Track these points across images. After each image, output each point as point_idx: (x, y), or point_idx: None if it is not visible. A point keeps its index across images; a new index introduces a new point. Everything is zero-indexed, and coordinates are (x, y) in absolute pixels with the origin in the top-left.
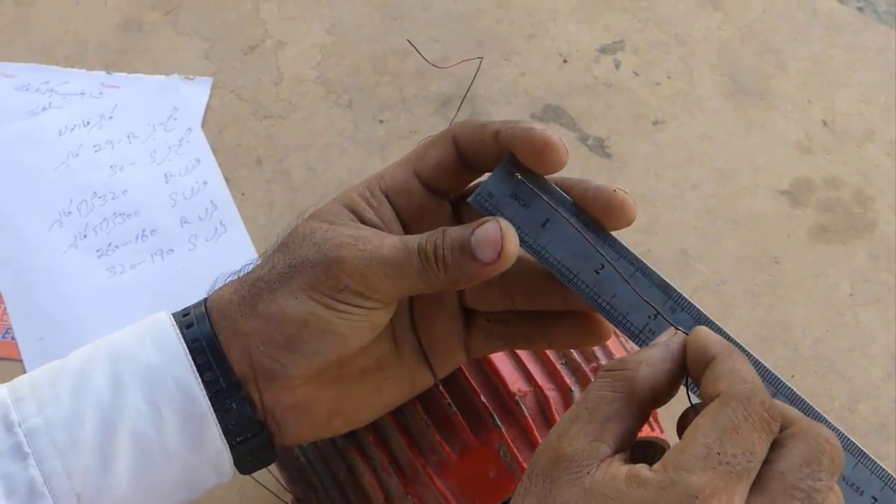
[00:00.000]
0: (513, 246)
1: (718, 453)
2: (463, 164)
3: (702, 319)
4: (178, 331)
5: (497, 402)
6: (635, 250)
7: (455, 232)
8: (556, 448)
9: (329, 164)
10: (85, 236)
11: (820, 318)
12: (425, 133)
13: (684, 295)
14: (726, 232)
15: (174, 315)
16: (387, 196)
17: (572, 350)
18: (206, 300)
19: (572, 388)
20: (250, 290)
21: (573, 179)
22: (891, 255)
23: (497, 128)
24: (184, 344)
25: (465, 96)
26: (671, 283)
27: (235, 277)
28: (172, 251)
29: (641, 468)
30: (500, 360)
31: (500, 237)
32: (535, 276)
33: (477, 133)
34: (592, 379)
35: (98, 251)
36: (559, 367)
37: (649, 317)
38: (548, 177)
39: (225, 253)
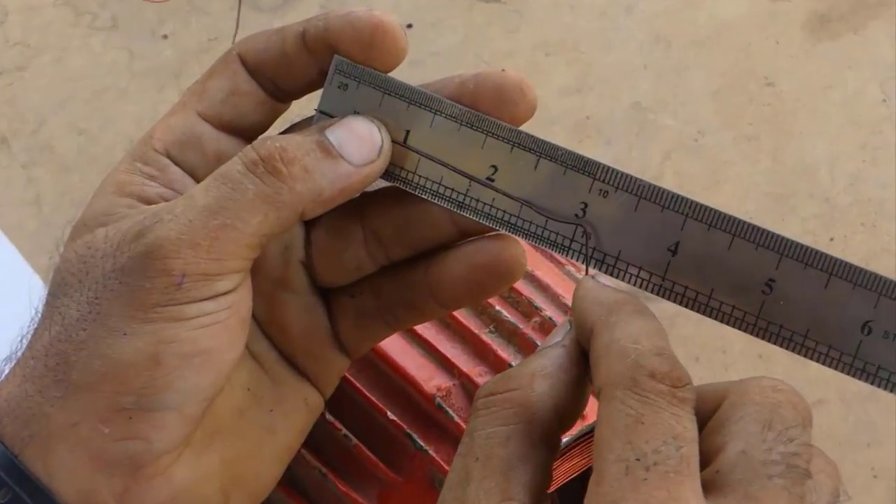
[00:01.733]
0: (389, 141)
1: (638, 459)
2: (267, 91)
3: (647, 192)
4: None
5: (412, 414)
6: (569, 119)
7: (298, 135)
8: None
9: (106, 117)
10: None
11: (850, 145)
12: (229, 39)
13: (617, 168)
14: (690, 61)
15: None
16: (169, 156)
17: (498, 307)
18: None
19: (513, 364)
20: (48, 364)
21: (438, 81)
22: None
23: (300, 29)
24: None
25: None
26: (594, 159)
27: (13, 363)
28: None
29: None
30: (402, 351)
31: (375, 130)
32: (408, 204)
33: (273, 45)
34: (538, 343)
35: None
36: (486, 338)
37: (577, 215)
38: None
39: None
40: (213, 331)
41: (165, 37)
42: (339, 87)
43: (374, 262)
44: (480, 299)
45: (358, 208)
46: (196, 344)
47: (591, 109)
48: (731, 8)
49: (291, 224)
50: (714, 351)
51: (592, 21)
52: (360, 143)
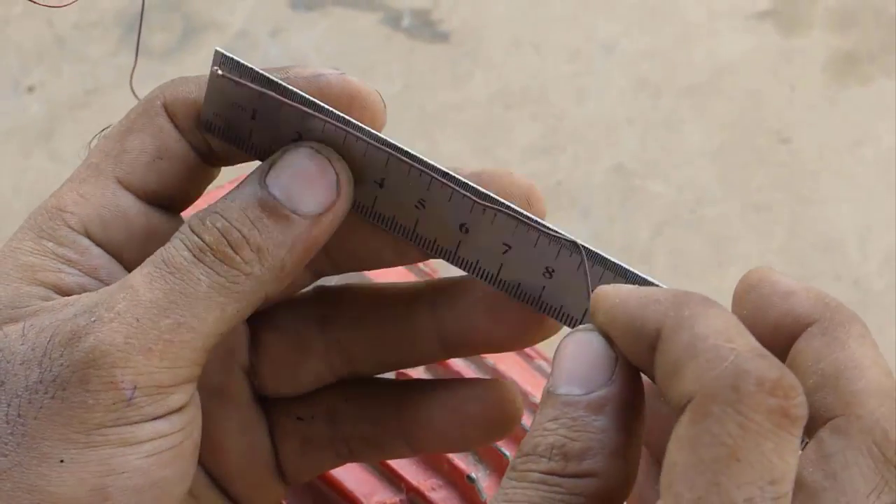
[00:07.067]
0: (347, 171)
1: None
2: (200, 154)
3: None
4: None
5: None
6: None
7: (236, 201)
8: None
9: None
10: None
11: (884, 214)
12: (112, 91)
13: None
14: (684, 113)
15: None
16: (89, 236)
17: None
18: None
19: (473, 476)
20: None
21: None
22: None
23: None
24: None
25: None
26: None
27: None
28: None
29: None
30: None
31: (324, 162)
32: (386, 315)
33: None
34: (509, 456)
35: None
36: None
37: (544, 273)
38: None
39: None
40: (166, 458)
41: (31, 89)
42: (226, 82)
43: (333, 373)
44: (463, 450)
45: (319, 313)
46: (148, 475)
47: (562, 173)
48: (735, 46)
49: (250, 312)
50: None
51: (562, 64)
52: (311, 185)
